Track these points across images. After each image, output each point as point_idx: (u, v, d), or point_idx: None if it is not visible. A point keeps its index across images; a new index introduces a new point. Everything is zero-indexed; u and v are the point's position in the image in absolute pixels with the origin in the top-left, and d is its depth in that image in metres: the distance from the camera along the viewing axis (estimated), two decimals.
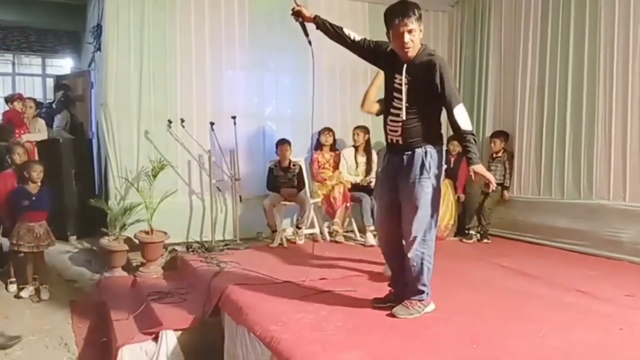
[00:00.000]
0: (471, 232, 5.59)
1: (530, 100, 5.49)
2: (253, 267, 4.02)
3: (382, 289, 3.13)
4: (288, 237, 5.32)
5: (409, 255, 2.80)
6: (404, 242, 2.85)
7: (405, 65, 2.79)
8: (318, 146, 5.77)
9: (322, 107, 6.03)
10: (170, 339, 3.24)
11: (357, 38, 2.96)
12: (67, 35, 8.92)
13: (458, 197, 5.77)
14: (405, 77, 2.78)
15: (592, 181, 4.77)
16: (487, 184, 2.81)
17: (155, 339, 3.26)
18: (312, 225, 5.48)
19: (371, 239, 5.10)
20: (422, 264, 2.81)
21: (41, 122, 5.74)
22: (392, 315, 2.82)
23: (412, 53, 2.75)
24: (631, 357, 2.33)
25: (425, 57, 2.76)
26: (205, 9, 5.59)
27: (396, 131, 2.84)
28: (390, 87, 2.88)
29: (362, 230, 5.40)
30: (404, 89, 2.79)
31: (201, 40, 5.57)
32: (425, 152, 2.77)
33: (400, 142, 2.83)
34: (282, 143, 5.45)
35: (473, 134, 2.73)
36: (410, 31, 2.69)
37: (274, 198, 5.26)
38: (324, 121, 5.90)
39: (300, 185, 5.48)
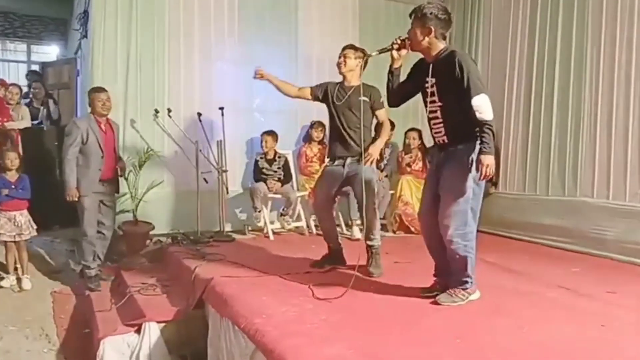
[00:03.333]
0: None
1: (517, 97, 5.51)
2: (238, 260, 4.01)
3: (369, 282, 3.14)
4: (274, 230, 5.29)
5: (452, 247, 2.86)
6: (444, 234, 2.90)
7: (431, 66, 2.90)
8: (307, 139, 5.74)
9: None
10: (153, 331, 3.22)
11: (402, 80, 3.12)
12: (54, 21, 8.79)
13: None
14: (432, 78, 2.89)
15: (577, 179, 4.81)
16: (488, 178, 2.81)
17: (138, 331, 3.24)
18: (298, 219, 5.47)
19: (357, 233, 5.11)
20: (465, 256, 2.88)
21: (25, 110, 5.64)
22: (436, 303, 2.90)
23: (434, 52, 2.88)
24: (612, 353, 2.35)
25: (447, 54, 2.85)
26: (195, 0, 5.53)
27: (440, 132, 2.93)
28: (424, 93, 2.98)
29: (348, 224, 5.39)
30: (434, 89, 2.88)
31: (190, 29, 5.50)
32: (469, 147, 2.80)
33: (446, 140, 2.91)
34: (266, 134, 5.45)
35: (490, 125, 2.74)
36: (409, 30, 2.92)
37: (259, 188, 5.23)
38: (313, 114, 5.88)
39: (287, 178, 5.47)
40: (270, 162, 5.44)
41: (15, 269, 4.25)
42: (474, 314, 2.83)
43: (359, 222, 5.16)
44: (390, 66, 3.08)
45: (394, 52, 3.01)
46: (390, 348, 2.34)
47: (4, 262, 4.26)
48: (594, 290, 3.34)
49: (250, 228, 5.55)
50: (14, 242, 4.20)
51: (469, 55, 2.97)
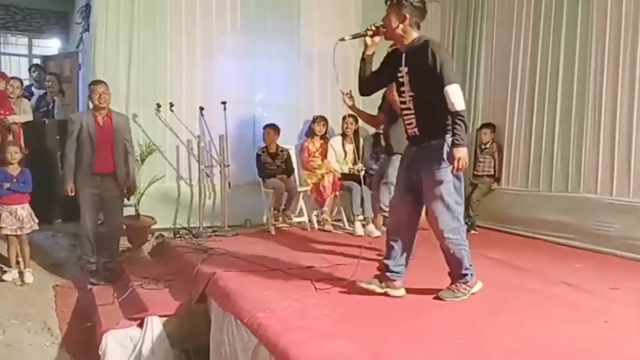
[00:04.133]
0: (467, 224, 5.60)
1: (521, 92, 5.49)
2: (240, 254, 4.01)
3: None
4: (276, 225, 5.29)
5: (446, 244, 2.86)
6: (435, 233, 2.89)
7: (404, 55, 2.87)
8: (310, 134, 5.73)
9: (313, 95, 6.00)
10: (155, 325, 3.22)
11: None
12: (55, 15, 8.73)
13: None
14: (405, 67, 2.85)
15: (580, 175, 4.79)
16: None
17: (141, 325, 3.24)
18: (300, 214, 5.46)
19: (359, 229, 5.10)
20: (460, 250, 2.88)
21: (26, 103, 5.62)
22: (439, 299, 2.89)
23: (407, 41, 2.85)
24: (615, 350, 2.34)
25: (420, 43, 2.83)
26: None
27: (411, 123, 2.91)
28: (397, 83, 2.95)
29: (351, 219, 5.38)
30: (406, 79, 2.85)
31: (192, 23, 5.48)
32: (443, 142, 2.78)
33: (417, 132, 2.89)
34: (267, 128, 5.43)
35: (462, 116, 2.72)
36: (384, 17, 2.89)
37: (276, 184, 5.22)
38: (314, 109, 5.87)
39: (289, 172, 5.46)
40: (273, 156, 5.43)
41: (17, 262, 4.25)
42: (477, 310, 2.82)
43: (361, 217, 5.15)
44: (363, 53, 3.02)
45: (368, 39, 2.96)
46: (393, 344, 2.34)
47: (6, 256, 4.26)
48: (597, 286, 3.34)
49: (251, 222, 5.54)
50: (16, 235, 4.20)
51: (444, 47, 2.92)
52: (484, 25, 5.98)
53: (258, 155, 5.44)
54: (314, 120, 5.68)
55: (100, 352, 3.13)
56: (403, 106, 2.93)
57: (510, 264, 3.97)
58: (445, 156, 2.78)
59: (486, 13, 5.95)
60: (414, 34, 2.88)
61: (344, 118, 5.69)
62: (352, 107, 4.34)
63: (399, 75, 2.89)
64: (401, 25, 2.85)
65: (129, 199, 4.43)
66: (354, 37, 3.05)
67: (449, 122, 2.74)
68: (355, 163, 5.62)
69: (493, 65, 5.87)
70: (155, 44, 5.29)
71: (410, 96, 2.86)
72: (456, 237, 2.86)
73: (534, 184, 5.31)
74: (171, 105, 5.22)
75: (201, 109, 5.31)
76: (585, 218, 4.63)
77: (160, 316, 3.27)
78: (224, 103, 5.30)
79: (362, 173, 5.47)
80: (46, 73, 6.71)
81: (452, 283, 2.96)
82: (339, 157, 5.66)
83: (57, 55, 8.06)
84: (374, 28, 2.94)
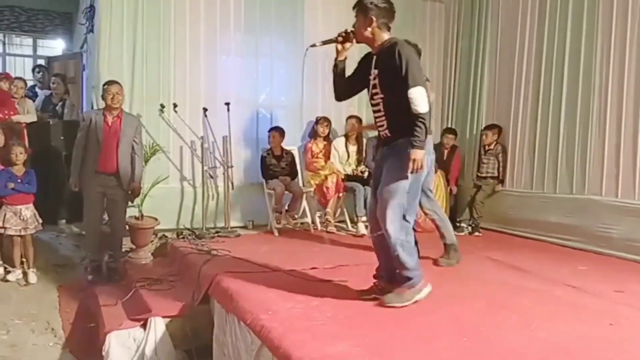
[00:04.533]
0: (462, 224, 5.59)
1: (525, 94, 5.47)
2: (244, 255, 4.00)
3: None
4: (277, 226, 5.29)
5: (390, 242, 2.79)
6: (383, 229, 2.82)
7: (374, 57, 2.86)
8: (313, 135, 5.73)
9: (317, 96, 5.99)
10: (158, 325, 3.22)
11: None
12: (59, 16, 8.77)
13: (450, 190, 5.78)
14: (375, 69, 2.85)
15: (585, 176, 4.77)
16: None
17: (144, 326, 3.24)
18: (304, 215, 5.46)
19: (363, 229, 5.09)
20: (402, 250, 2.79)
21: (30, 103, 5.63)
22: (382, 305, 2.81)
23: (378, 42, 2.85)
24: (620, 352, 2.33)
25: (389, 44, 2.82)
26: None
27: (382, 125, 2.89)
28: (369, 86, 2.92)
29: (354, 221, 5.38)
30: (376, 81, 2.84)
31: (196, 24, 5.48)
32: (408, 141, 2.74)
33: (389, 134, 2.87)
34: (274, 130, 5.42)
35: (423, 118, 2.68)
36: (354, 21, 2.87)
37: (276, 184, 5.22)
38: (318, 110, 5.87)
39: (293, 174, 5.46)
40: (278, 158, 5.43)
41: (22, 263, 4.26)
42: (481, 311, 2.82)
43: (364, 218, 5.14)
44: (335, 59, 3.01)
45: (338, 45, 2.96)
46: (396, 345, 2.33)
47: (10, 256, 4.27)
48: (601, 288, 3.32)
49: (254, 223, 5.54)
50: (20, 236, 4.21)
51: (412, 48, 2.86)
52: (489, 26, 5.96)
53: (263, 157, 5.44)
54: (317, 121, 5.68)
55: (103, 353, 3.13)
56: (375, 108, 2.91)
57: (514, 265, 3.96)
58: (407, 155, 2.74)
59: (491, 14, 5.94)
60: (384, 36, 2.87)
61: (347, 119, 5.69)
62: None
63: (371, 77, 2.88)
64: (369, 29, 2.84)
65: (132, 201, 4.43)
66: (325, 43, 3.03)
67: (413, 123, 2.70)
68: (358, 164, 5.63)
69: (497, 66, 5.86)
70: (159, 45, 5.29)
71: (380, 98, 2.85)
72: (401, 237, 2.78)
73: (538, 186, 5.29)
74: (175, 106, 5.23)
75: (205, 109, 5.31)
76: (589, 220, 4.61)
77: (164, 317, 3.27)
78: (227, 104, 5.31)
79: (366, 174, 5.48)
80: (50, 74, 6.73)
81: (397, 287, 2.86)
82: (342, 158, 5.66)
83: (61, 56, 8.10)
84: (344, 34, 2.93)
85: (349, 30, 2.93)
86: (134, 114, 4.61)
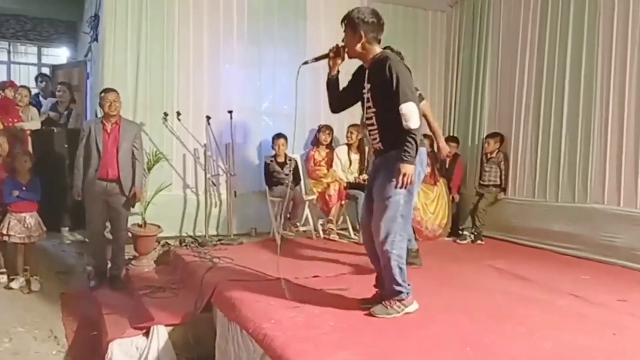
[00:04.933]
0: (465, 233, 5.59)
1: (527, 102, 5.49)
2: (246, 263, 4.00)
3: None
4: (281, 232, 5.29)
5: (381, 255, 2.80)
6: (375, 241, 2.82)
7: (367, 72, 2.87)
8: (315, 143, 5.75)
9: (319, 104, 6.01)
10: (161, 334, 3.22)
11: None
12: (64, 24, 8.86)
13: (452, 198, 5.79)
14: (368, 83, 2.86)
15: (587, 185, 4.77)
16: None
17: (146, 334, 3.24)
18: (306, 223, 5.46)
19: None
20: (395, 263, 2.79)
21: (34, 111, 5.68)
22: (371, 315, 2.81)
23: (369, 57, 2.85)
24: None
25: (380, 58, 2.82)
26: (204, 3, 5.55)
27: (375, 138, 2.90)
28: (362, 99, 2.94)
29: (356, 228, 5.38)
30: (369, 95, 2.86)
31: (199, 33, 5.52)
32: (399, 154, 2.74)
33: (382, 146, 2.88)
34: (279, 137, 5.45)
35: (414, 134, 2.69)
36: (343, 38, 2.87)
37: (282, 191, 5.24)
38: (320, 118, 5.89)
39: (296, 181, 5.48)
40: (282, 165, 5.45)
41: (25, 270, 4.27)
42: (483, 321, 2.81)
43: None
44: (328, 74, 3.03)
45: (330, 60, 2.98)
46: (399, 355, 2.33)
47: (14, 264, 4.28)
48: (604, 298, 3.32)
49: (257, 231, 5.55)
50: (24, 243, 4.22)
51: (402, 62, 2.86)
52: (490, 35, 5.99)
53: (267, 164, 5.46)
54: (320, 129, 5.70)
55: None
56: (368, 122, 2.92)
57: (516, 274, 3.95)
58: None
59: (492, 23, 5.97)
60: (376, 49, 2.88)
61: (348, 128, 5.71)
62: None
63: (363, 92, 2.89)
64: (359, 44, 2.85)
65: (133, 206, 4.43)
66: (317, 59, 3.05)
67: (404, 138, 2.70)
68: (360, 172, 5.64)
69: (499, 74, 5.88)
70: (162, 53, 5.34)
71: (373, 112, 2.86)
72: (395, 250, 2.78)
73: (540, 194, 5.29)
74: (178, 114, 5.26)
75: (208, 117, 5.34)
76: (592, 229, 4.61)
77: (166, 325, 3.27)
78: (230, 112, 5.34)
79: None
80: (54, 83, 6.78)
81: (385, 299, 2.86)
82: (344, 166, 5.67)
83: (65, 64, 8.16)
84: (335, 49, 2.95)
85: (340, 45, 2.95)
86: (133, 121, 4.62)
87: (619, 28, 4.53)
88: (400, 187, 2.70)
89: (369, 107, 2.88)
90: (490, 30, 5.99)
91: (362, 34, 2.83)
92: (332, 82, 3.03)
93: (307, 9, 5.95)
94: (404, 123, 2.68)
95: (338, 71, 3.03)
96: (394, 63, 2.75)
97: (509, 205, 5.57)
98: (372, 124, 2.90)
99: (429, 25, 6.63)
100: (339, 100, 3.08)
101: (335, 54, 2.95)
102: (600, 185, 4.66)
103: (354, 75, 3.03)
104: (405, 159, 2.68)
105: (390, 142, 2.82)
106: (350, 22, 2.85)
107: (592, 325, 2.80)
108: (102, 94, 4.26)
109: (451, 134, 6.31)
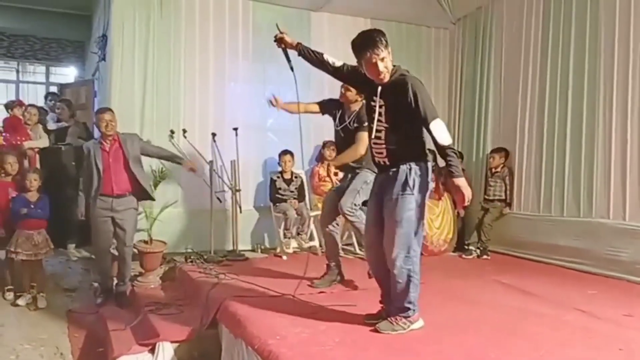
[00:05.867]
0: (471, 247, 5.59)
1: (530, 118, 5.52)
2: (251, 279, 4.01)
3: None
4: (286, 250, 5.30)
5: (394, 272, 2.78)
6: (387, 258, 2.82)
7: (379, 88, 2.83)
8: (320, 158, 5.79)
9: (324, 120, 6.06)
10: (167, 350, 3.22)
11: (337, 64, 3.03)
12: (72, 44, 9.02)
13: (458, 213, 5.79)
14: (381, 99, 2.83)
15: (592, 199, 4.77)
16: (458, 199, 2.77)
17: (152, 351, 3.24)
18: (311, 238, 5.47)
19: None
20: (408, 280, 2.79)
21: (42, 129, 5.76)
22: (376, 331, 2.81)
23: (386, 78, 2.79)
24: None
25: (398, 78, 2.80)
26: (210, 21, 5.66)
27: (381, 153, 2.88)
28: (369, 110, 2.93)
29: (361, 244, 5.38)
30: (381, 110, 2.83)
31: (205, 52, 5.62)
32: (410, 169, 2.78)
33: (387, 162, 2.87)
34: (285, 154, 5.49)
35: (452, 148, 2.72)
36: (382, 59, 2.73)
37: (286, 207, 5.27)
38: (324, 134, 5.93)
39: (301, 197, 5.50)
40: (288, 182, 5.49)
41: (32, 287, 4.30)
42: (489, 336, 2.80)
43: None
44: (295, 49, 3.09)
45: (284, 46, 3.16)
46: None
47: (20, 281, 4.31)
48: (610, 313, 3.30)
49: (262, 247, 5.57)
50: (31, 260, 4.26)
51: (418, 79, 2.83)
52: (493, 51, 6.05)
53: (273, 180, 5.50)
54: (324, 145, 5.74)
55: None
56: (375, 135, 2.88)
57: (522, 289, 3.94)
58: (411, 182, 2.76)
59: (495, 39, 6.03)
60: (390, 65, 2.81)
61: None
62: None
63: (373, 104, 2.87)
64: (389, 61, 2.78)
65: (195, 170, 4.63)
66: (288, 60, 3.24)
67: (444, 155, 2.70)
68: None
69: (502, 90, 5.92)
70: (169, 72, 5.43)
71: (384, 127, 2.84)
72: (408, 267, 2.77)
73: (545, 209, 5.29)
74: (184, 131, 5.32)
75: (213, 134, 5.40)
76: (597, 243, 4.59)
77: (172, 342, 3.27)
78: (235, 129, 5.39)
79: (368, 200, 5.50)
80: (55, 100, 6.86)
81: (392, 315, 2.85)
82: None
83: (73, 83, 8.28)
84: (278, 41, 3.19)
85: (276, 36, 3.19)
86: (128, 132, 4.63)
87: (620, 46, 4.57)
88: (464, 206, 2.72)
89: (379, 122, 2.85)
90: (493, 47, 6.05)
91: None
92: (301, 55, 3.10)
93: (311, 28, 6.04)
94: (436, 141, 2.67)
95: (299, 43, 3.10)
96: (415, 84, 2.73)
97: (515, 220, 5.56)
98: (379, 138, 2.87)
99: (432, 43, 6.71)
100: (332, 69, 3.03)
101: (284, 43, 3.14)
102: (605, 199, 4.66)
103: (360, 72, 2.91)
104: (455, 174, 2.70)
105: (396, 158, 2.82)
106: (385, 42, 2.75)
107: (598, 341, 2.79)
108: (98, 115, 4.29)
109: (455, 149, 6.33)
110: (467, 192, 2.71)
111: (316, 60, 3.06)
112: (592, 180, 4.77)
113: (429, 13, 6.34)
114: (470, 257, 5.46)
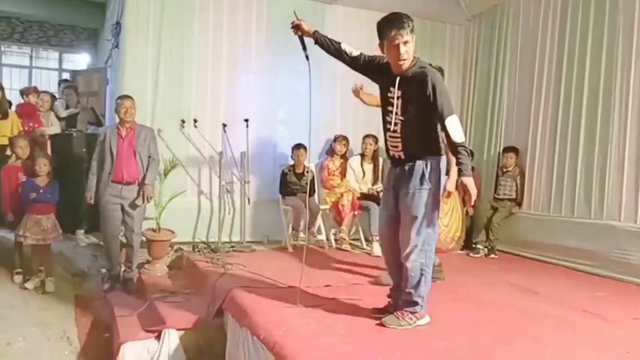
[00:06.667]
0: (478, 246, 5.56)
1: (544, 117, 5.46)
2: (258, 270, 4.02)
3: (386, 299, 3.09)
4: (293, 242, 5.30)
5: (408, 265, 2.78)
6: (402, 252, 2.80)
7: (398, 79, 2.79)
8: (330, 152, 5.77)
9: (335, 114, 6.06)
10: (172, 338, 3.24)
11: (355, 53, 2.98)
12: (85, 31, 9.05)
13: (467, 211, 5.76)
14: (399, 90, 2.79)
15: (604, 201, 4.72)
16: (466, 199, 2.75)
17: (158, 338, 3.27)
18: (319, 232, 5.47)
19: (377, 250, 5.05)
20: (420, 274, 2.78)
21: (54, 116, 5.80)
22: (382, 325, 2.80)
23: (406, 65, 2.75)
24: None
25: (418, 70, 2.75)
26: (224, 13, 5.64)
27: (396, 146, 2.86)
28: (385, 101, 2.89)
29: (369, 239, 5.37)
30: (398, 102, 2.79)
31: (218, 43, 5.61)
32: (426, 163, 2.76)
33: (403, 156, 2.84)
34: (299, 148, 5.47)
35: (465, 146, 2.69)
36: (405, 42, 2.69)
37: (294, 202, 5.27)
38: (336, 128, 5.93)
39: (312, 191, 5.50)
40: (300, 176, 5.47)
41: (40, 271, 4.33)
42: (495, 335, 2.79)
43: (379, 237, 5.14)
44: (313, 39, 3.02)
45: (301, 34, 3.05)
46: None
47: (29, 265, 4.35)
48: (618, 315, 3.27)
49: (269, 239, 5.58)
50: (39, 245, 4.29)
51: (439, 73, 2.80)
52: (508, 48, 5.99)
53: (284, 174, 5.49)
54: (336, 139, 5.73)
55: None
56: (390, 127, 2.85)
57: (531, 289, 3.91)
58: (427, 177, 2.74)
59: (510, 37, 5.97)
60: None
61: (364, 138, 5.73)
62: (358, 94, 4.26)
63: (390, 95, 2.82)
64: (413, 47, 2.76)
65: (143, 202, 4.41)
66: (304, 47, 3.12)
67: (455, 152, 2.68)
68: (374, 183, 5.64)
69: (516, 89, 5.86)
70: (182, 62, 5.43)
71: (400, 120, 2.80)
72: (422, 260, 2.77)
73: (556, 209, 5.24)
74: (195, 121, 5.33)
75: (224, 125, 5.40)
76: (608, 245, 4.55)
77: (178, 329, 3.29)
78: (246, 120, 5.39)
79: (382, 193, 5.48)
80: (64, 87, 6.90)
81: (399, 309, 2.84)
82: (358, 177, 5.68)
83: (86, 70, 8.32)
84: (295, 27, 3.06)
85: (293, 22, 3.07)
86: (146, 125, 4.68)
87: (638, 43, 4.50)
88: (471, 205, 2.70)
89: (395, 113, 2.81)
90: (509, 45, 5.99)
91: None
92: (317, 44, 3.03)
93: (325, 21, 6.00)
94: (450, 137, 2.65)
95: (315, 31, 3.03)
96: (435, 77, 2.70)
97: (524, 220, 5.52)
98: (395, 131, 2.83)
99: (446, 39, 6.66)
100: (349, 59, 2.98)
101: (301, 31, 3.03)
102: (616, 202, 4.61)
103: (378, 62, 2.89)
104: (464, 172, 2.67)
105: (412, 151, 2.80)
106: (412, 27, 2.73)
107: (605, 343, 2.76)
108: (119, 100, 4.36)
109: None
110: (473, 192, 2.69)
111: (333, 49, 3.01)
112: (604, 181, 4.72)
113: (445, 9, 6.30)
114: (478, 255, 5.43)
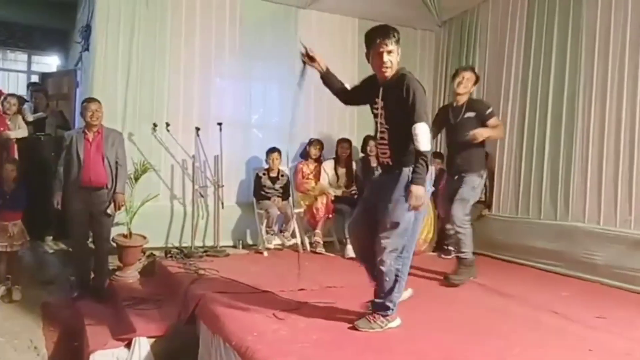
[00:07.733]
0: (450, 248, 5.64)
1: (511, 120, 5.58)
2: (232, 275, 4.01)
3: (361, 301, 3.12)
4: (268, 247, 5.30)
5: (383, 269, 2.81)
6: (377, 255, 2.83)
7: (381, 89, 2.87)
8: (305, 156, 5.79)
9: (309, 118, 6.07)
10: (143, 346, 3.21)
11: (349, 87, 3.08)
12: (55, 33, 8.85)
13: (438, 213, 5.84)
14: (382, 101, 2.87)
15: (569, 203, 4.85)
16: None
17: (128, 346, 3.23)
18: (293, 236, 5.48)
19: (351, 252, 5.10)
20: (395, 280, 2.83)
21: (21, 120, 5.66)
22: (354, 328, 2.83)
23: (389, 73, 2.82)
24: None
25: (399, 77, 2.82)
26: (197, 16, 5.60)
27: (385, 153, 2.91)
28: (373, 113, 2.95)
29: (342, 242, 5.41)
30: (382, 112, 2.86)
31: (191, 46, 5.58)
32: (409, 172, 2.78)
33: (390, 162, 2.89)
34: (273, 151, 5.47)
35: (426, 157, 2.69)
36: (389, 52, 2.78)
37: (269, 205, 5.26)
38: (310, 132, 5.94)
39: (285, 195, 5.50)
40: (274, 180, 5.48)
41: (7, 279, 4.23)
42: (464, 336, 2.84)
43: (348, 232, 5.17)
44: (320, 73, 3.06)
45: (309, 65, 3.03)
46: None
47: None
48: (583, 314, 3.36)
49: (243, 243, 5.57)
50: (6, 252, 4.19)
51: (418, 81, 2.85)
52: (477, 54, 6.11)
53: (258, 177, 5.48)
54: (311, 142, 5.75)
55: None
56: (379, 135, 2.93)
57: (498, 290, 3.99)
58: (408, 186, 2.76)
59: (479, 42, 6.09)
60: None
61: (338, 142, 5.76)
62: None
63: (376, 107, 2.90)
64: (398, 59, 2.84)
65: (114, 212, 4.38)
66: (302, 75, 3.07)
67: (415, 160, 2.71)
68: (347, 187, 5.68)
69: (484, 93, 5.97)
70: (153, 65, 5.37)
71: (386, 128, 2.87)
72: (397, 266, 2.81)
73: (523, 211, 5.36)
74: (167, 125, 5.28)
75: (197, 129, 5.36)
76: (574, 246, 4.67)
77: (148, 337, 3.26)
78: (220, 124, 5.37)
79: (356, 196, 5.53)
80: (33, 90, 6.75)
81: (370, 313, 2.88)
82: (332, 180, 5.72)
83: (55, 73, 8.16)
84: (305, 55, 3.01)
85: (303, 50, 3.02)
86: (115, 129, 4.60)
87: (600, 48, 4.65)
88: (412, 209, 2.71)
89: (381, 123, 2.88)
90: (477, 50, 6.11)
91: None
92: (323, 79, 3.06)
93: (298, 26, 6.02)
94: (415, 143, 2.68)
95: (325, 67, 3.04)
96: (412, 82, 2.76)
97: (493, 222, 5.63)
98: (382, 138, 2.90)
99: (417, 44, 6.75)
100: (344, 95, 3.09)
101: (309, 58, 3.01)
102: (581, 203, 4.75)
103: (365, 81, 3.01)
104: (415, 180, 2.68)
105: (399, 159, 2.84)
106: (398, 39, 2.80)
107: (570, 341, 2.85)
108: (84, 104, 4.28)
109: (436, 150, 6.39)
110: (417, 203, 2.69)
111: (337, 87, 3.08)
112: (569, 184, 4.86)
113: (416, 15, 6.38)
114: (449, 257, 5.50)
